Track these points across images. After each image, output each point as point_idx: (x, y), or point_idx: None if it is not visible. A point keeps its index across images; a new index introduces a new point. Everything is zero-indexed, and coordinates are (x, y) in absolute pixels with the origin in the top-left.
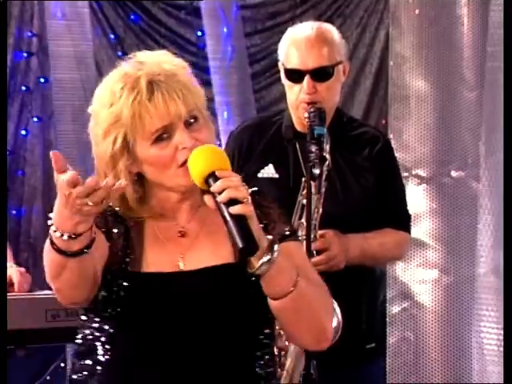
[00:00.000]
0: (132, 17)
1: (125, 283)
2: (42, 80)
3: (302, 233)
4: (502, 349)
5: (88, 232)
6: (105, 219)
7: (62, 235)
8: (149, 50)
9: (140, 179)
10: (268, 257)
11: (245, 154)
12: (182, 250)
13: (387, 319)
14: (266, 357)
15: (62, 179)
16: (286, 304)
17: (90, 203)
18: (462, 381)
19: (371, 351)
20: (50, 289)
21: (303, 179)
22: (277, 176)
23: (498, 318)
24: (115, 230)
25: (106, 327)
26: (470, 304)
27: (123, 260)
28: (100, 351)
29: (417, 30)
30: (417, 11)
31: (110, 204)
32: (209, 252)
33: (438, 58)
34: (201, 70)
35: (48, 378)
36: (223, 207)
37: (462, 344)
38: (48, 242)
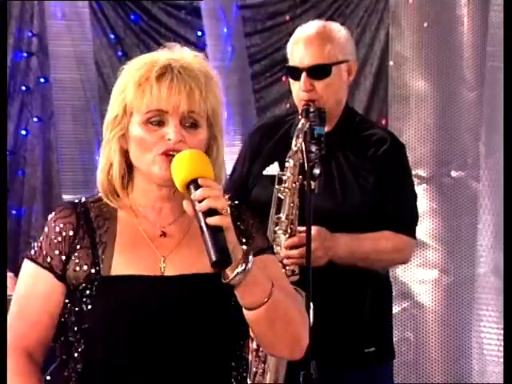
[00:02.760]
0: (132, 17)
1: (96, 288)
2: (42, 80)
3: (279, 228)
4: (501, 349)
5: None
6: (76, 216)
7: None
8: (149, 50)
9: (128, 164)
10: (242, 267)
11: (254, 153)
12: (164, 251)
13: None
14: (240, 369)
15: None
16: (261, 314)
17: None
18: (462, 381)
19: (371, 355)
20: None
21: (278, 173)
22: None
23: (498, 317)
24: (82, 230)
25: (80, 337)
26: (469, 304)
27: (95, 263)
28: (76, 361)
29: (417, 30)
30: (417, 11)
31: (97, 194)
32: (191, 258)
33: (438, 58)
34: None
35: (48, 378)
36: (201, 216)
37: (462, 344)
38: None
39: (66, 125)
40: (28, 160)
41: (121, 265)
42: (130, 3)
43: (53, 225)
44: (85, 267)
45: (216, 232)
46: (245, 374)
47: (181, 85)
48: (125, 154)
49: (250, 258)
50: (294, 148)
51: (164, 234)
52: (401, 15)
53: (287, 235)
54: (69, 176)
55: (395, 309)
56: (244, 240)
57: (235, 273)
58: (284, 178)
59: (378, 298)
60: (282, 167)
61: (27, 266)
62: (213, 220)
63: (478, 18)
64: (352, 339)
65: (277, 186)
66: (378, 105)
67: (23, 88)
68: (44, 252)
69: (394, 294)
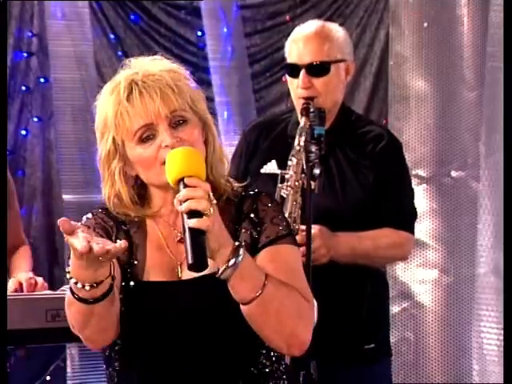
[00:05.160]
0: (132, 17)
1: (131, 291)
2: (42, 80)
3: None
4: (502, 349)
5: (108, 277)
6: (106, 230)
7: (84, 286)
8: (149, 50)
9: (142, 182)
10: (231, 262)
11: (251, 151)
12: (180, 256)
13: None
14: (263, 360)
15: (72, 243)
16: (253, 309)
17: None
18: (462, 381)
19: (371, 352)
20: (50, 289)
21: (280, 172)
22: (278, 172)
23: (498, 317)
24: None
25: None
26: (469, 304)
27: (128, 271)
28: (115, 359)
29: (417, 30)
30: (417, 11)
31: (110, 210)
32: None
33: (438, 58)
34: (201, 70)
35: (48, 378)
36: (184, 217)
37: (462, 344)
38: (69, 294)
39: (65, 125)
40: (28, 160)
41: (150, 270)
42: (129, 3)
43: (93, 226)
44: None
45: (195, 234)
46: (268, 364)
47: (151, 93)
48: (131, 179)
49: (241, 252)
50: (296, 147)
51: (181, 241)
52: (401, 15)
53: None
54: (69, 176)
55: (395, 309)
56: (256, 232)
57: (224, 267)
58: (287, 176)
59: (377, 295)
60: (280, 165)
61: None
62: (192, 223)
63: (478, 18)
64: (352, 336)
65: (279, 185)
66: (378, 105)
67: (23, 88)
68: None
69: (394, 294)
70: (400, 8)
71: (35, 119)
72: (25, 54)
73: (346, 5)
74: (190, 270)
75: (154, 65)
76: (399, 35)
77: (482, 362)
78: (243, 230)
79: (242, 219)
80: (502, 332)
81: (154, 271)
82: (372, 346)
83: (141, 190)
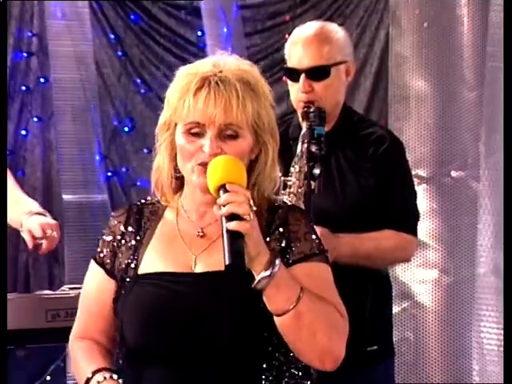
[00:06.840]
0: (132, 17)
1: (126, 287)
2: (42, 80)
3: None
4: (501, 349)
5: None
6: (127, 216)
7: None
8: (149, 49)
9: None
10: (268, 272)
11: None
12: (197, 251)
13: None
14: (273, 370)
15: None
16: (286, 322)
17: None
18: (462, 381)
19: (373, 354)
20: (50, 289)
21: (283, 179)
22: (280, 174)
23: (498, 317)
24: (130, 229)
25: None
26: (470, 304)
27: (130, 262)
28: (120, 351)
29: (417, 30)
30: (417, 11)
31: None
32: (222, 257)
33: (438, 58)
34: None
35: (48, 377)
36: (223, 220)
37: (462, 344)
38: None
39: (66, 125)
40: (28, 160)
41: (149, 263)
42: (129, 3)
43: (108, 223)
44: (122, 266)
45: (233, 236)
46: (275, 374)
47: (217, 98)
48: (175, 158)
49: (277, 262)
50: (298, 153)
51: (202, 234)
52: (401, 15)
53: None
54: (69, 176)
55: (395, 309)
56: (284, 245)
57: (260, 277)
58: (289, 183)
59: (379, 297)
60: (282, 168)
61: (90, 264)
62: (231, 225)
63: (478, 18)
64: (354, 338)
65: (282, 191)
66: (378, 105)
67: (23, 88)
68: (99, 249)
69: (393, 294)
70: (400, 8)
71: (35, 119)
72: (25, 54)
73: (346, 5)
74: (226, 270)
75: (236, 70)
76: (399, 35)
77: (481, 362)
78: (272, 241)
79: (272, 230)
80: (502, 332)
81: (159, 264)
82: (375, 347)
83: (178, 176)
